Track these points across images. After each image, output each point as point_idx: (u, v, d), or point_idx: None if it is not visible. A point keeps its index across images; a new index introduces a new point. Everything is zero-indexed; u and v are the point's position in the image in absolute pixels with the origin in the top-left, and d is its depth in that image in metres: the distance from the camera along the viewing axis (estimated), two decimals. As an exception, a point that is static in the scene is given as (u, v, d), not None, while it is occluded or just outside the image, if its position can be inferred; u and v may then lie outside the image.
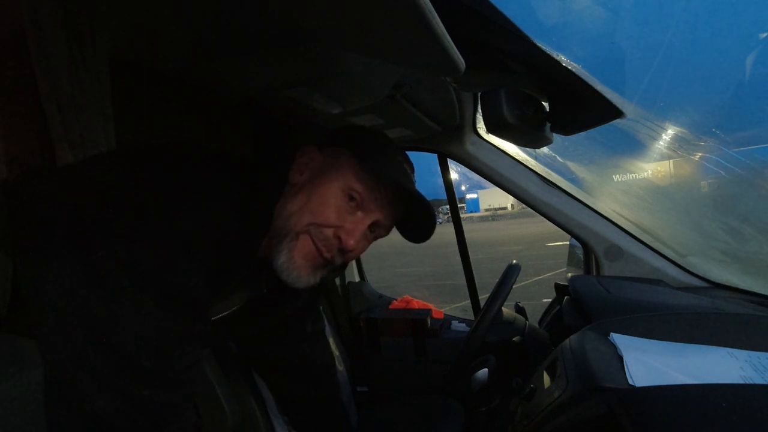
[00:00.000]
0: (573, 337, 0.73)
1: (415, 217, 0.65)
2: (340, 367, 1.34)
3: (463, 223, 1.55)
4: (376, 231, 0.63)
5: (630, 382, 0.52)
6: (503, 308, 1.29)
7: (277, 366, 0.89)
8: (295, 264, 0.56)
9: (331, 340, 1.28)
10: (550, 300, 1.52)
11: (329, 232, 0.57)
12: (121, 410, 0.42)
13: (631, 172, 1.70)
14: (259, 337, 0.86)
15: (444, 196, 1.58)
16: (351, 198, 0.58)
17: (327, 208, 0.56)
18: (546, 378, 0.71)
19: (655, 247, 1.19)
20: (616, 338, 0.65)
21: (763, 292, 1.01)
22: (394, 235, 0.72)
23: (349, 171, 0.59)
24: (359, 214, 0.59)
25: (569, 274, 1.30)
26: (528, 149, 1.34)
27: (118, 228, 0.43)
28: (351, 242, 0.56)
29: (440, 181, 1.55)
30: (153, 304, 0.44)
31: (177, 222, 0.46)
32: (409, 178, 0.64)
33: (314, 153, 0.62)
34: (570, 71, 0.70)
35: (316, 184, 0.58)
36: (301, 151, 0.62)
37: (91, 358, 0.41)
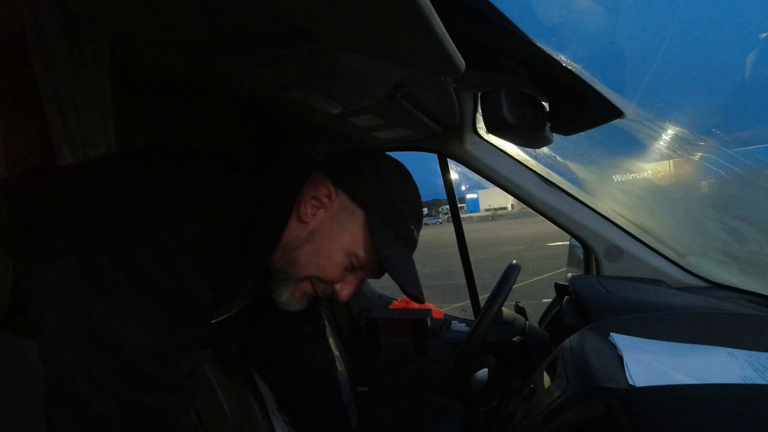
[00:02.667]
0: (573, 337, 0.73)
1: None
2: (340, 367, 1.34)
3: (463, 223, 1.55)
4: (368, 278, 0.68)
5: (630, 382, 0.52)
6: (503, 308, 1.29)
7: (278, 367, 0.89)
8: (295, 301, 0.63)
9: (331, 340, 1.28)
10: (550, 300, 1.52)
11: (328, 285, 0.62)
12: (121, 415, 0.42)
13: (631, 172, 1.70)
14: (260, 339, 0.86)
15: (444, 196, 1.58)
16: (352, 261, 0.61)
17: (332, 268, 0.60)
18: (546, 378, 0.71)
19: (655, 247, 1.19)
20: (616, 338, 0.65)
21: (763, 292, 1.01)
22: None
23: (359, 237, 0.60)
24: (357, 272, 0.63)
25: (569, 274, 1.30)
26: (528, 149, 1.33)
27: (120, 231, 0.43)
28: (345, 296, 0.62)
29: (440, 181, 1.55)
30: (155, 309, 0.43)
31: (178, 226, 0.46)
32: (413, 244, 0.65)
33: (329, 192, 0.60)
34: (570, 71, 0.70)
35: (325, 240, 0.59)
36: (312, 181, 0.60)
37: (92, 363, 0.41)
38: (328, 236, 0.59)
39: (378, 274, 0.65)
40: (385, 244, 0.60)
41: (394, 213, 0.61)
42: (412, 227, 0.64)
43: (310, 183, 0.60)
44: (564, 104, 0.81)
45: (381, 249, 0.59)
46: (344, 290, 0.62)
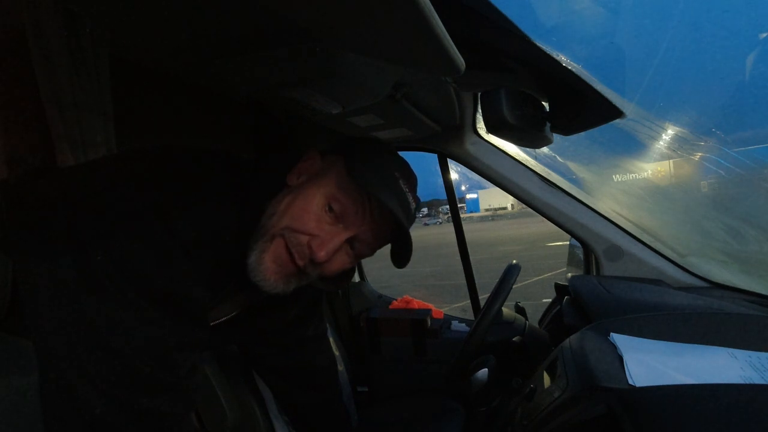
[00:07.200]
0: (573, 337, 0.73)
1: (397, 243, 0.61)
2: (340, 367, 1.34)
3: (463, 223, 1.55)
4: (358, 248, 0.59)
5: (630, 382, 0.52)
6: (503, 308, 1.29)
7: (279, 370, 0.89)
8: (263, 266, 0.53)
9: (331, 340, 1.28)
10: (550, 300, 1.52)
11: (303, 239, 0.54)
12: (120, 417, 0.41)
13: (631, 172, 1.70)
14: (260, 342, 0.86)
15: (444, 196, 1.58)
16: (331, 208, 0.55)
17: (306, 213, 0.54)
18: (546, 378, 0.71)
19: (655, 247, 1.19)
20: (616, 338, 0.65)
21: (763, 292, 1.01)
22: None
23: (335, 179, 0.56)
24: (339, 226, 0.56)
25: (569, 274, 1.30)
26: (528, 149, 1.33)
27: (115, 231, 0.43)
28: (321, 254, 0.53)
29: (440, 181, 1.55)
30: (153, 309, 0.43)
31: (175, 225, 0.46)
32: (401, 194, 0.58)
33: (316, 158, 0.61)
34: (570, 71, 0.70)
35: (304, 188, 0.56)
36: (304, 156, 0.62)
37: (89, 363, 0.40)
38: (307, 186, 0.56)
39: (364, 229, 0.57)
40: (365, 177, 0.54)
41: (373, 159, 0.59)
42: (397, 175, 0.59)
43: (301, 161, 0.60)
44: (564, 104, 0.81)
45: (360, 178, 0.54)
46: (320, 247, 0.53)
